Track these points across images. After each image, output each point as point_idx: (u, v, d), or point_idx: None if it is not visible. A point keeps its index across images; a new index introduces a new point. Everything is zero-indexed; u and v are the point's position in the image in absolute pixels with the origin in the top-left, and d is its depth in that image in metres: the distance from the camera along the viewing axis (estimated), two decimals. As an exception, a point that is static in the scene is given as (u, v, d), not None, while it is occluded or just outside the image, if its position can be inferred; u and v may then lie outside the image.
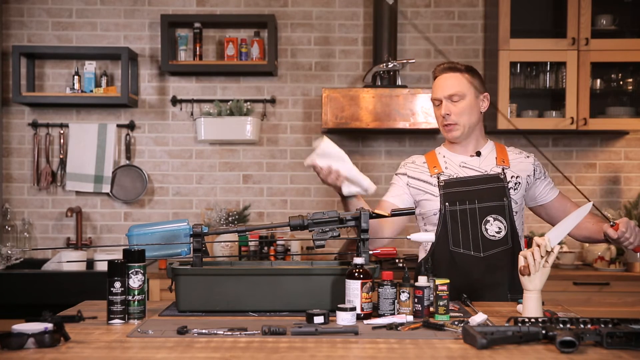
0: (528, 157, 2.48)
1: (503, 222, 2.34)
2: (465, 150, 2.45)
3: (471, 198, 2.34)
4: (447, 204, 2.36)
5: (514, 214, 2.37)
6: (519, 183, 2.40)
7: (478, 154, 2.44)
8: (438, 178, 2.40)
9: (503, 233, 2.34)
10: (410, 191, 2.45)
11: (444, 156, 2.47)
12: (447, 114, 2.38)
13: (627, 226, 2.19)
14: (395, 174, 2.52)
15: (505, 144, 4.12)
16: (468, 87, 2.38)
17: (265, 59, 4.07)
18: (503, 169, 2.40)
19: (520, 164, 2.44)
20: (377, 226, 2.39)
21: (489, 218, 2.34)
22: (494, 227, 2.34)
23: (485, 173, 2.38)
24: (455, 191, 2.36)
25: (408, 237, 2.19)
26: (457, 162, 2.43)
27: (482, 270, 2.33)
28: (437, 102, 2.44)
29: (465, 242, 2.34)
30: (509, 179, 2.39)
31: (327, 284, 2.03)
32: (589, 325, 1.72)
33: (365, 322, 1.88)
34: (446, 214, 2.35)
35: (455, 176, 2.40)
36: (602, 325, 1.71)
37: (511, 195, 2.36)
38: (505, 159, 2.43)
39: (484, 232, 2.34)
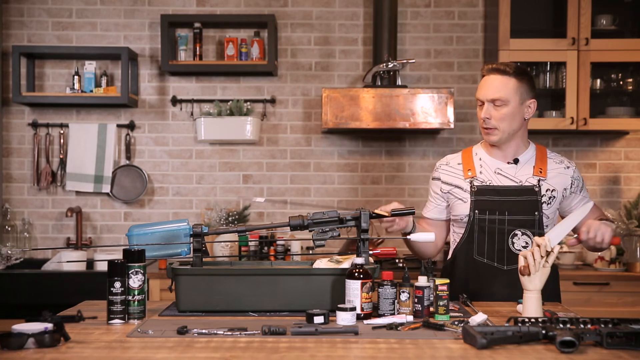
0: (568, 167, 2.38)
1: (531, 237, 2.29)
2: (503, 156, 2.37)
3: (502, 209, 2.28)
4: (476, 211, 2.31)
5: (545, 228, 2.31)
6: (554, 197, 2.32)
7: (516, 161, 2.36)
8: (471, 183, 2.35)
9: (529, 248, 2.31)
10: (445, 197, 2.42)
11: (480, 158, 2.40)
12: (487, 118, 2.30)
13: (588, 229, 2.12)
14: (432, 179, 2.49)
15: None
16: (513, 93, 2.28)
17: (265, 59, 4.07)
18: (539, 180, 2.32)
19: (559, 175, 2.35)
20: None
21: (517, 232, 2.29)
22: (521, 242, 2.30)
23: (520, 184, 2.32)
24: (486, 199, 2.31)
25: (408, 237, 2.19)
26: (492, 168, 2.36)
27: (503, 282, 2.29)
28: (479, 102, 2.35)
29: (490, 252, 2.31)
30: (543, 192, 2.32)
31: (327, 284, 2.03)
32: (589, 325, 1.72)
33: (365, 322, 1.88)
34: (474, 221, 2.32)
35: (488, 183, 2.34)
36: (602, 325, 1.71)
37: (543, 210, 2.30)
38: (544, 169, 2.34)
39: (510, 246, 2.30)
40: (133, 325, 1.86)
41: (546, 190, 2.33)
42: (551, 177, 2.35)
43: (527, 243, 2.30)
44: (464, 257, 2.33)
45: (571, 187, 2.36)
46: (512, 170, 2.35)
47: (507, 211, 2.30)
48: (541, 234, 2.30)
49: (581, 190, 2.40)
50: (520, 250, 2.29)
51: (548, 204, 2.32)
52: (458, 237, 2.40)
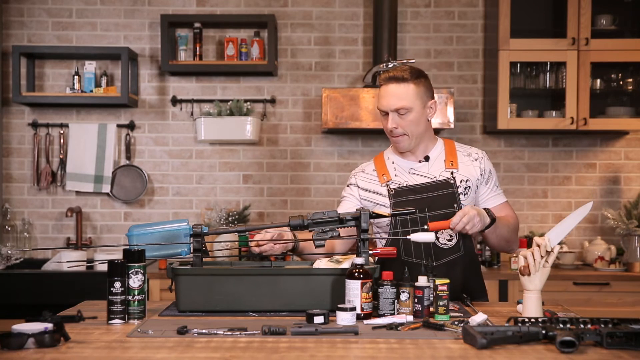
0: (476, 159, 2.40)
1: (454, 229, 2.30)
2: (414, 156, 2.39)
3: (421, 206, 2.28)
4: None
5: None
6: (469, 187, 2.35)
7: (427, 158, 2.39)
8: (388, 186, 2.36)
9: (454, 241, 2.31)
10: (363, 203, 2.40)
11: (392, 162, 2.42)
12: (395, 128, 2.32)
13: (463, 214, 2.12)
14: (347, 185, 2.47)
15: (504, 144, 4.15)
16: (414, 98, 2.29)
17: (265, 59, 4.07)
18: (452, 173, 2.35)
19: (469, 167, 2.38)
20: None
21: None
22: (445, 236, 2.31)
23: (435, 179, 2.34)
24: (405, 200, 2.32)
25: (408, 237, 2.19)
26: (406, 169, 2.38)
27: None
28: (383, 113, 2.35)
29: (417, 251, 2.31)
30: (458, 183, 2.34)
31: (327, 284, 2.03)
32: (589, 325, 1.72)
33: (365, 322, 1.88)
34: (397, 223, 2.32)
35: (405, 184, 2.36)
36: (602, 325, 1.71)
37: (462, 201, 2.32)
38: (454, 161, 2.38)
39: (436, 241, 2.29)
40: (133, 325, 1.86)
41: (460, 181, 2.35)
42: (462, 168, 2.37)
43: (451, 236, 2.31)
44: (392, 260, 2.28)
45: (480, 177, 2.37)
46: (425, 168, 2.38)
47: (426, 208, 2.30)
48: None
49: (488, 182, 2.39)
50: (445, 244, 2.31)
51: (465, 194, 2.34)
52: (383, 242, 2.40)
